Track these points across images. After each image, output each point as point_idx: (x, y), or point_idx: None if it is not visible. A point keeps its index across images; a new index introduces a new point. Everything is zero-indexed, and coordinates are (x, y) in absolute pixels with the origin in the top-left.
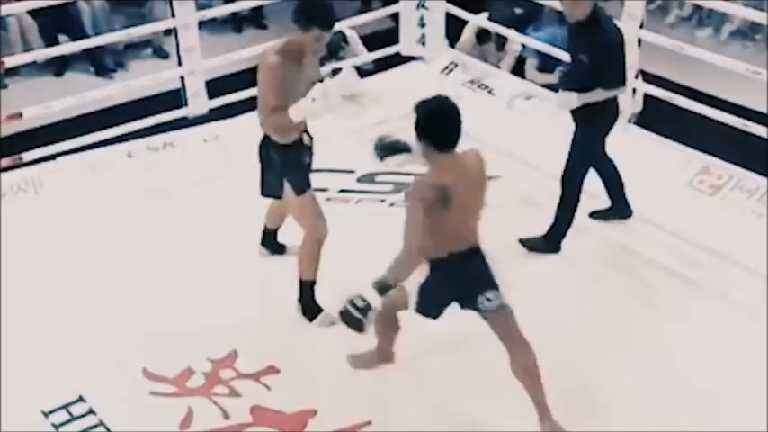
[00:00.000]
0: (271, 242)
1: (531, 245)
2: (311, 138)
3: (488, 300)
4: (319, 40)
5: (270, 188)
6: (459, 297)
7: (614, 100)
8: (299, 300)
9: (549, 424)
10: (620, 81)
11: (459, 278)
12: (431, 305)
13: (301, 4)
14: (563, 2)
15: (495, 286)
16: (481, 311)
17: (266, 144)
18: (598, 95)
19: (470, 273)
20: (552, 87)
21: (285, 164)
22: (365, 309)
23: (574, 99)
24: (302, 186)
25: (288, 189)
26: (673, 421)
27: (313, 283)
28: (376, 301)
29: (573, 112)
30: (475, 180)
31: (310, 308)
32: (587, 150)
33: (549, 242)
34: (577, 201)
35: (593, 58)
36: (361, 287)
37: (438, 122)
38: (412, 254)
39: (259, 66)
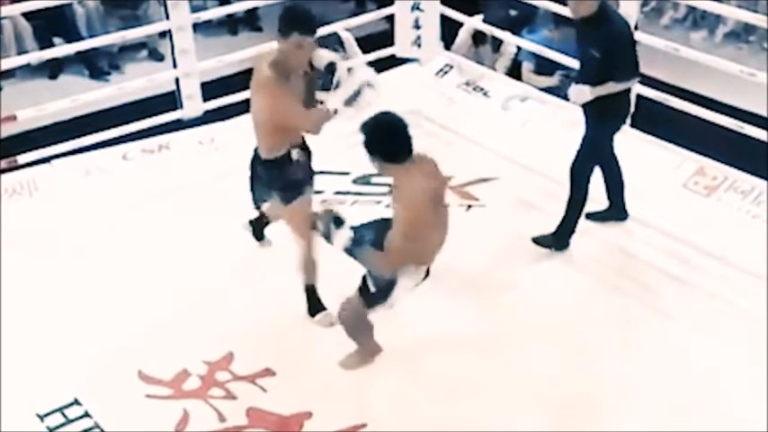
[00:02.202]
0: (258, 227)
1: (541, 242)
2: (306, 150)
3: None
4: (302, 47)
5: (260, 199)
6: None
7: (626, 93)
8: (308, 299)
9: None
10: (632, 73)
11: None
12: None
13: (282, 12)
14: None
15: None
16: None
17: (255, 158)
18: (610, 88)
19: None
20: (550, 90)
21: (271, 179)
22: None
23: (587, 92)
24: (289, 197)
25: (276, 199)
26: (672, 421)
27: (314, 286)
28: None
29: (585, 105)
30: (434, 180)
31: (313, 305)
32: (597, 144)
33: (558, 239)
34: (585, 196)
35: (603, 52)
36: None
37: (387, 137)
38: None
39: (253, 76)
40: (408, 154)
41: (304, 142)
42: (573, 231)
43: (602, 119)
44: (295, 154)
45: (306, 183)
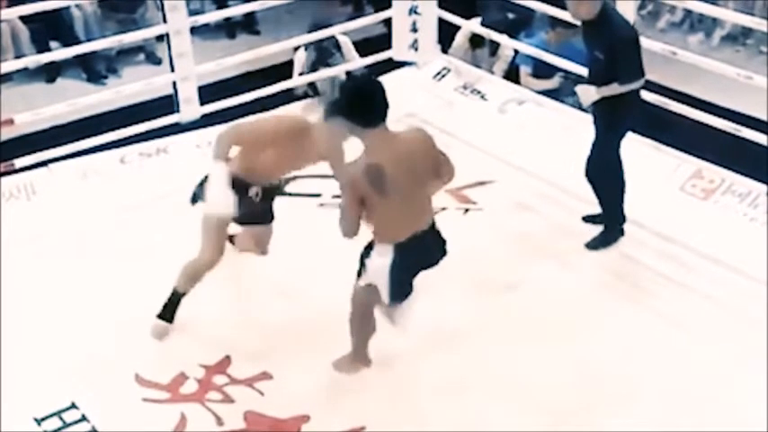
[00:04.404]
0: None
1: (596, 244)
2: (268, 198)
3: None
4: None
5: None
6: (423, 267)
7: (633, 93)
8: (167, 302)
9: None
10: (636, 75)
11: (421, 256)
12: (401, 290)
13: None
14: (569, 1)
15: (445, 252)
16: None
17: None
18: (615, 89)
19: (431, 247)
20: (549, 92)
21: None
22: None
23: (592, 92)
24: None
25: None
26: (672, 422)
27: (183, 295)
28: None
29: (593, 108)
30: (413, 158)
31: (169, 312)
32: (608, 142)
33: (610, 232)
34: (614, 184)
35: (606, 53)
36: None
37: (359, 99)
38: (347, 233)
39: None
40: (378, 120)
41: (272, 191)
42: (620, 220)
43: (609, 118)
44: (252, 191)
45: (240, 214)
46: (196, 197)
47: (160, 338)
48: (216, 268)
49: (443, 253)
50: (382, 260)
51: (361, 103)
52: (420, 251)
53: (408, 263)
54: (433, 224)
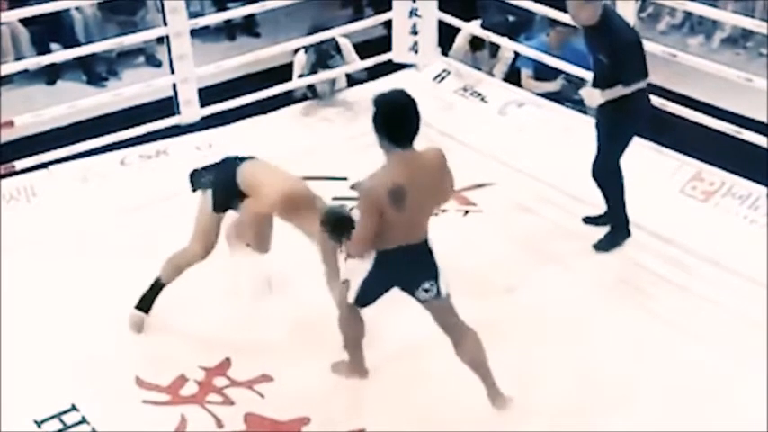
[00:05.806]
0: None
1: (604, 246)
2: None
3: (426, 290)
4: None
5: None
6: (399, 285)
7: (639, 94)
8: (147, 291)
9: (501, 399)
10: (640, 76)
11: (402, 268)
12: (371, 295)
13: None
14: (569, 3)
15: (435, 276)
16: (420, 300)
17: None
18: (619, 91)
19: (414, 263)
20: (551, 95)
21: (215, 179)
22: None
23: (597, 95)
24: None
25: (208, 198)
26: (672, 424)
27: (164, 285)
28: None
29: (598, 109)
30: (431, 178)
31: (147, 302)
32: (612, 145)
33: (618, 233)
34: (619, 186)
35: (609, 57)
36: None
37: (395, 118)
38: (359, 251)
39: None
40: (410, 140)
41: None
42: (625, 218)
43: (614, 119)
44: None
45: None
46: (195, 183)
47: (138, 331)
48: (216, 270)
49: (428, 279)
50: (365, 263)
51: (396, 124)
52: (404, 265)
53: (388, 274)
54: (426, 241)
